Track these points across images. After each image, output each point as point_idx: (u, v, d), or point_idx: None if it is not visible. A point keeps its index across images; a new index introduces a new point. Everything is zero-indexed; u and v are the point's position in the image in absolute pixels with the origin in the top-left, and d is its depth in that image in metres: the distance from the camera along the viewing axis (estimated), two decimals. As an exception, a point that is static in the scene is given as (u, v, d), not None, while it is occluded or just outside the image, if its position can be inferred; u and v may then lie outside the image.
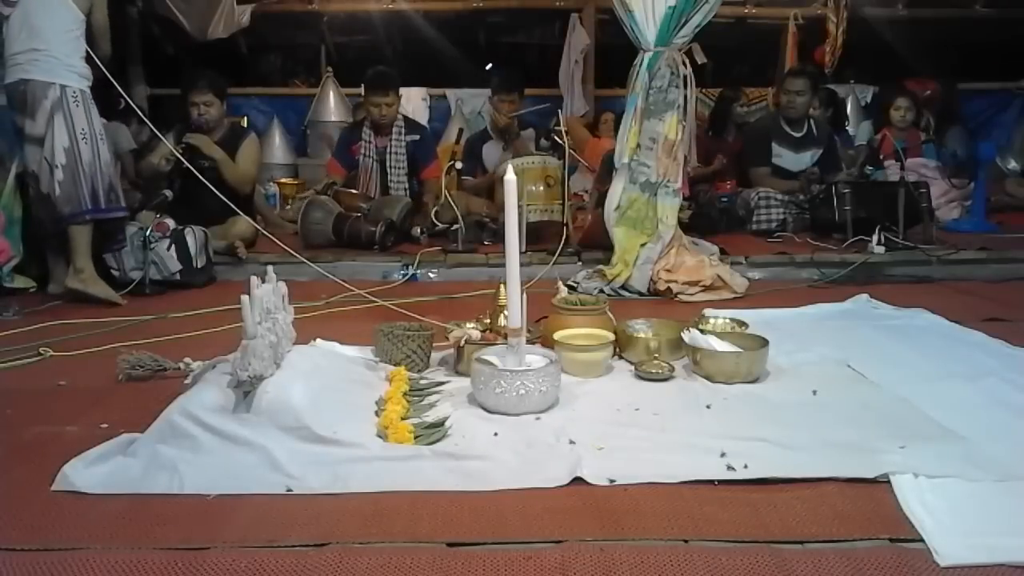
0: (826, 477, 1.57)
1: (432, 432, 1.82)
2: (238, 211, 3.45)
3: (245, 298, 1.78)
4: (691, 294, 3.32)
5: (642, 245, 3.42)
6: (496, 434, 1.82)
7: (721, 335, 2.33)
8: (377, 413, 1.91)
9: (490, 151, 4.82)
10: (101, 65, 3.26)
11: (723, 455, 1.64)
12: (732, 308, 2.84)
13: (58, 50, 3.14)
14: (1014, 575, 1.26)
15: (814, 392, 2.05)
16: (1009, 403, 1.97)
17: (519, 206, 3.63)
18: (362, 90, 4.64)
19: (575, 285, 3.44)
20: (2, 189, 3.41)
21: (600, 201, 3.83)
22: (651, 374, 2.21)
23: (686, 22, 3.30)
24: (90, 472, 1.61)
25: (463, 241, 3.99)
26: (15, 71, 3.15)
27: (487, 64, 7.98)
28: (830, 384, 2.13)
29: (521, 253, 2.36)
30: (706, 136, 5.62)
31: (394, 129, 4.57)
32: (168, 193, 3.81)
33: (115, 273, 3.53)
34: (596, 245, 3.75)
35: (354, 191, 4.49)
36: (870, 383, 2.14)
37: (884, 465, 1.59)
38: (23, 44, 3.13)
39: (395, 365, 2.23)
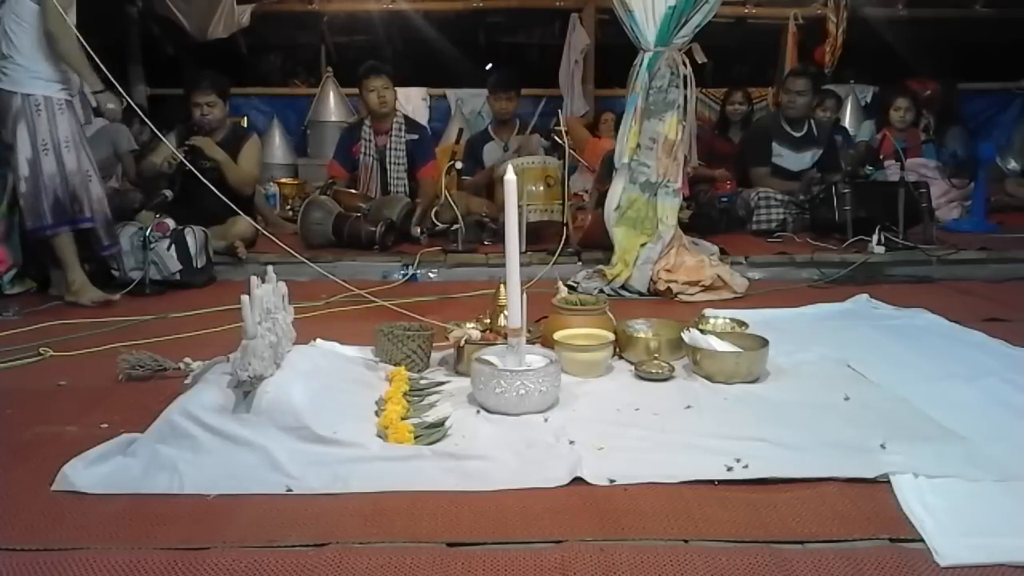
0: (826, 477, 1.57)
1: (432, 432, 1.82)
2: (239, 211, 3.44)
3: (245, 298, 1.78)
4: (691, 294, 3.32)
5: (642, 245, 3.42)
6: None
7: (721, 335, 2.33)
8: (377, 413, 1.91)
9: (490, 151, 4.83)
10: (101, 65, 3.25)
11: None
12: (732, 308, 2.84)
13: (25, 57, 3.08)
14: (1014, 575, 1.26)
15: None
16: (1009, 403, 1.97)
17: (519, 206, 3.63)
18: (358, 89, 4.65)
19: (575, 285, 3.44)
20: (2, 197, 3.38)
21: (600, 201, 3.83)
22: (651, 374, 2.21)
23: (686, 22, 3.30)
24: (90, 472, 1.61)
25: (463, 241, 3.99)
26: None
27: (487, 64, 7.99)
28: (830, 384, 2.13)
29: (521, 253, 2.36)
30: (712, 135, 5.63)
31: (394, 127, 4.57)
32: (168, 193, 3.81)
33: (115, 273, 3.53)
34: (596, 245, 3.75)
35: (354, 191, 4.49)
36: (870, 383, 2.14)
37: (884, 465, 1.59)
38: (2, 52, 3.11)
39: (395, 365, 2.23)
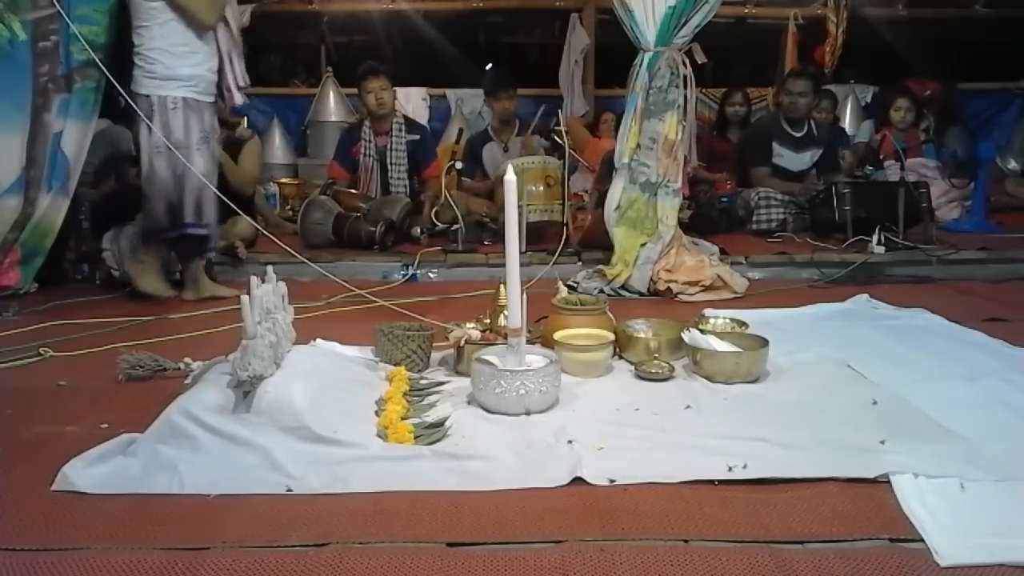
0: (826, 477, 1.57)
1: (432, 432, 1.82)
2: (239, 212, 3.44)
3: (245, 298, 1.78)
4: (691, 294, 3.32)
5: (642, 245, 3.42)
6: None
7: (721, 335, 2.32)
8: (377, 413, 1.91)
9: (490, 152, 4.83)
10: (102, 65, 3.25)
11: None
12: (732, 308, 2.84)
13: (142, 58, 3.13)
14: (1014, 575, 1.26)
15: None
16: (1009, 403, 1.97)
17: (519, 206, 3.63)
18: (357, 90, 4.66)
19: (575, 285, 3.44)
20: (26, 224, 3.35)
21: (600, 201, 3.83)
22: (651, 374, 2.21)
23: (686, 22, 3.30)
24: (90, 472, 1.61)
25: (463, 241, 3.99)
26: None
27: (487, 64, 8.00)
28: (830, 384, 2.13)
29: (521, 253, 2.36)
30: (711, 135, 5.63)
31: (394, 127, 4.58)
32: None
33: (115, 273, 3.53)
34: (596, 245, 3.75)
35: (354, 191, 4.50)
36: (870, 383, 2.14)
37: (884, 465, 1.59)
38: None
39: (395, 365, 2.23)
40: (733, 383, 2.14)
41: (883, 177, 4.85)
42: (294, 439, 1.69)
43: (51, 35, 3.24)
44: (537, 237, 3.95)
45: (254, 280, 1.84)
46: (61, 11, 3.16)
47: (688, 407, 1.98)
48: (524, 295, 1.99)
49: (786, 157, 4.88)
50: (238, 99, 3.31)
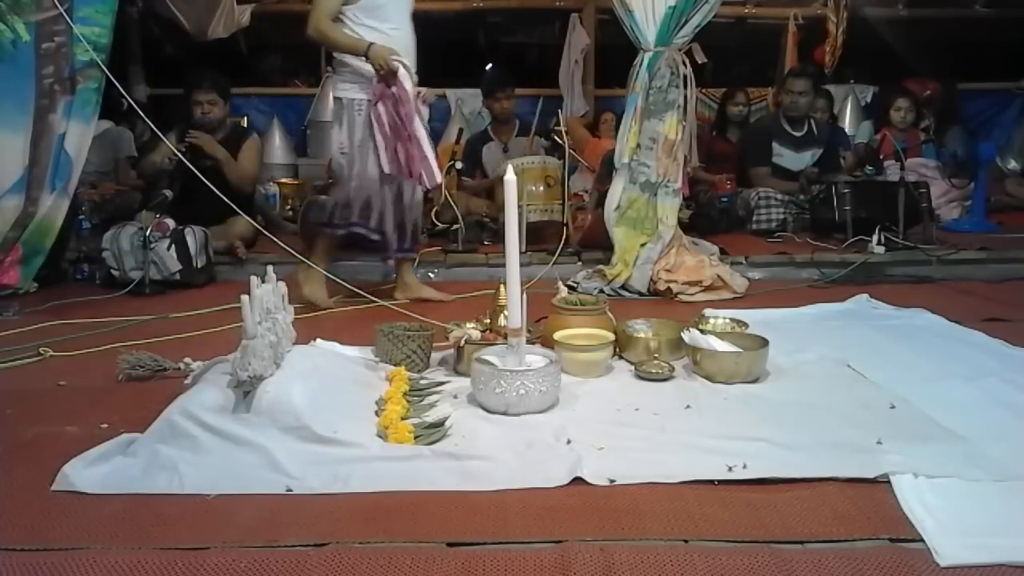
0: (826, 477, 1.57)
1: (432, 432, 1.82)
2: (239, 211, 3.44)
3: (245, 298, 1.79)
4: (691, 294, 3.32)
5: (642, 245, 3.42)
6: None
7: (721, 335, 2.33)
8: (377, 413, 1.91)
9: (490, 152, 4.83)
10: (103, 66, 3.25)
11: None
12: (732, 308, 2.84)
13: (336, 61, 3.13)
14: (1014, 575, 1.26)
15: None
16: (1009, 403, 1.98)
17: (519, 206, 3.63)
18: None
19: (575, 285, 3.44)
20: (27, 223, 3.35)
21: (600, 201, 3.83)
22: (651, 374, 2.21)
23: (686, 22, 3.30)
24: (90, 472, 1.61)
25: (463, 241, 3.99)
26: None
27: (487, 64, 8.00)
28: (830, 384, 2.13)
29: (521, 253, 2.36)
30: (711, 135, 5.63)
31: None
32: (168, 193, 3.81)
33: (115, 273, 3.53)
34: (596, 245, 3.75)
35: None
36: (870, 383, 2.14)
37: (884, 465, 1.59)
38: None
39: (395, 365, 2.23)
40: (733, 383, 2.14)
41: (883, 177, 4.85)
42: (294, 439, 1.69)
43: (55, 36, 3.23)
44: (537, 237, 3.95)
45: (254, 280, 1.84)
46: (63, 13, 3.15)
47: (688, 407, 1.98)
48: (524, 295, 1.99)
49: (786, 157, 4.88)
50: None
